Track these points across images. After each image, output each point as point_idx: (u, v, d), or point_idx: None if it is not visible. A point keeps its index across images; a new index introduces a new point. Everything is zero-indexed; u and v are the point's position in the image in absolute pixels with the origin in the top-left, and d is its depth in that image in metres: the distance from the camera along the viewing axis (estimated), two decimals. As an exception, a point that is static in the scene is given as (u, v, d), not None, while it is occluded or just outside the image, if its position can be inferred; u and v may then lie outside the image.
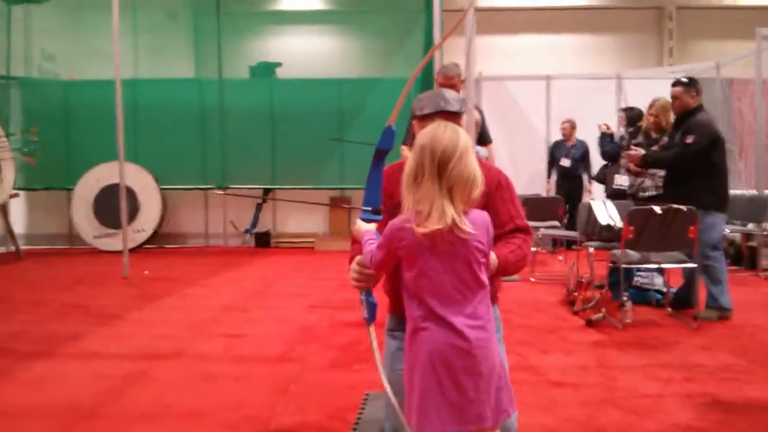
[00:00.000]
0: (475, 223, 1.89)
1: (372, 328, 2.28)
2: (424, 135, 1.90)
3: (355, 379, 3.57)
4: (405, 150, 5.25)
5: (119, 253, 7.29)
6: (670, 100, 5.63)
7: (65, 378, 3.64)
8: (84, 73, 9.45)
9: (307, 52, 10.03)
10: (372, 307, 2.26)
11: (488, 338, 1.89)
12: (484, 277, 1.93)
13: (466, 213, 1.87)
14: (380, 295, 2.34)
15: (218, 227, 10.13)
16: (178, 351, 4.14)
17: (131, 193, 8.74)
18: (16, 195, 8.68)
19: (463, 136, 1.90)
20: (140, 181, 9.23)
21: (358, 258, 2.21)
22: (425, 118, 2.37)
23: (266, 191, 9.92)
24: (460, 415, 1.84)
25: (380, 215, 2.27)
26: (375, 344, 2.26)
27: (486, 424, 1.87)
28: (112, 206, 8.19)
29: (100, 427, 2.96)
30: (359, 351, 4.05)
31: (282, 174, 9.69)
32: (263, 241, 9.89)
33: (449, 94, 2.41)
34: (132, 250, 8.10)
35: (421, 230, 1.82)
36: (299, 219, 10.00)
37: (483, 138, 5.38)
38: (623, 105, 8.56)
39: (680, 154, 4.94)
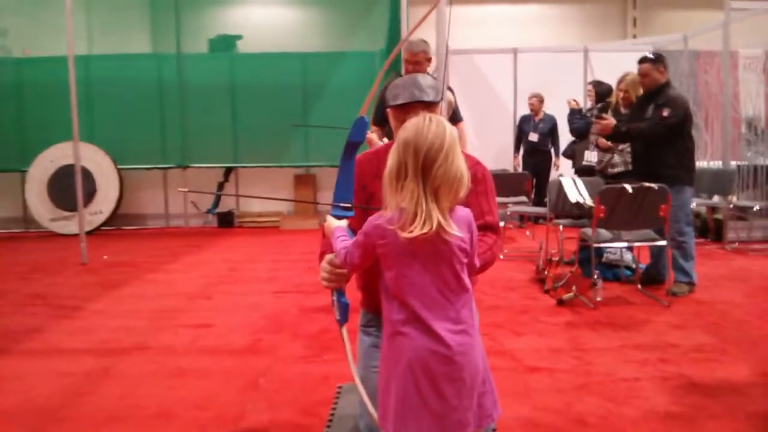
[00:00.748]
0: (459, 222, 1.78)
1: (344, 330, 2.18)
2: (407, 130, 1.77)
3: (327, 370, 3.48)
4: (372, 132, 5.11)
5: (77, 236, 7.06)
6: (637, 75, 5.59)
7: (25, 378, 3.47)
8: (38, 50, 9.06)
9: (268, 25, 9.78)
10: (344, 308, 2.15)
11: (470, 343, 1.80)
12: (467, 280, 1.84)
13: (450, 211, 1.77)
14: (351, 286, 2.24)
15: (179, 207, 9.88)
16: (142, 344, 3.99)
17: (87, 174, 8.47)
18: (-35, 178, 8.36)
19: (449, 131, 1.77)
20: (96, 161, 8.94)
21: (328, 257, 2.09)
22: (399, 108, 2.26)
23: (228, 170, 9.70)
24: (441, 423, 1.76)
25: (352, 211, 2.16)
26: (348, 347, 2.16)
27: (468, 430, 1.80)
28: (67, 188, 7.91)
29: (66, 431, 2.82)
30: (329, 340, 3.95)
31: (245, 152, 9.46)
32: (226, 221, 9.68)
33: (424, 80, 2.30)
34: (90, 233, 7.87)
35: (405, 235, 1.70)
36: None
37: (454, 117, 5.27)
38: (590, 78, 8.52)
39: (656, 126, 4.91)
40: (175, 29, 9.50)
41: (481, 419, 1.84)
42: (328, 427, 2.77)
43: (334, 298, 2.16)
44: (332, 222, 2.08)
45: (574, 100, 7.78)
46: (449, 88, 4.96)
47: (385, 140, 4.86)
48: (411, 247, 1.73)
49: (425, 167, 1.72)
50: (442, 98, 2.38)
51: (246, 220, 9.73)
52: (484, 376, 1.86)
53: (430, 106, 2.23)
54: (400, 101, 2.24)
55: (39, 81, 9.11)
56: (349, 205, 2.17)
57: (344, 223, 2.08)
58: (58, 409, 3.04)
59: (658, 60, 5.06)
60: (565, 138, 8.31)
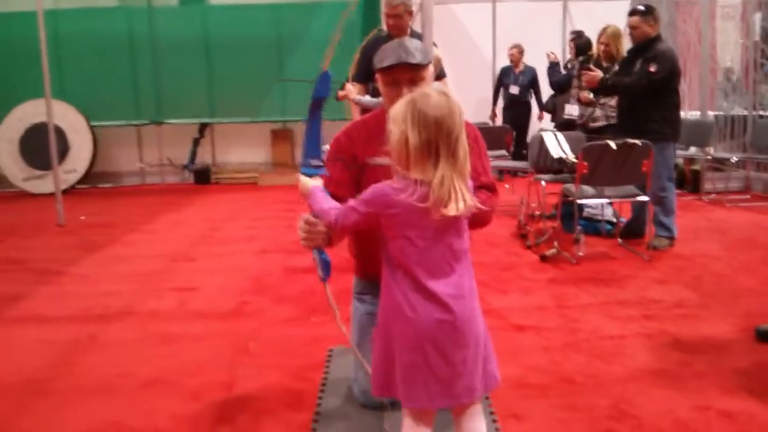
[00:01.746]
0: None
1: (328, 286, 2.18)
2: (438, 108, 1.71)
3: (315, 333, 3.48)
4: (350, 87, 5.02)
5: (51, 195, 6.94)
6: (619, 27, 5.56)
7: (10, 348, 3.43)
8: (2, 5, 8.72)
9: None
10: (326, 265, 2.15)
11: (472, 308, 1.83)
12: (467, 245, 1.84)
13: None
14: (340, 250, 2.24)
15: (154, 164, 9.70)
16: (127, 310, 3.95)
17: (60, 132, 8.22)
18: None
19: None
20: (68, 118, 8.72)
21: (304, 215, 2.07)
22: (386, 71, 2.23)
23: (203, 126, 9.54)
24: (450, 390, 1.78)
25: (323, 168, 2.13)
26: (334, 303, 2.17)
27: (476, 395, 1.84)
28: (39, 146, 7.76)
29: (56, 403, 2.79)
30: (316, 301, 3.93)
31: (220, 107, 9.27)
32: (203, 177, 9.55)
33: (411, 43, 2.26)
34: (64, 192, 7.70)
35: (445, 213, 1.71)
36: (240, 153, 9.65)
37: (438, 73, 5.18)
38: (569, 29, 8.44)
39: (640, 81, 4.88)
40: (144, -20, 9.20)
41: (487, 381, 1.88)
42: (322, 392, 2.78)
43: (315, 255, 2.14)
44: (306, 181, 2.06)
45: (553, 53, 7.73)
46: (434, 44, 4.87)
47: (368, 97, 4.79)
48: (424, 217, 1.73)
49: (455, 149, 1.72)
50: (430, 62, 2.32)
51: (223, 176, 9.60)
52: (485, 340, 1.88)
53: (417, 69, 2.20)
54: (386, 64, 2.21)
55: (4, 37, 8.79)
56: (319, 163, 2.13)
57: (319, 182, 2.06)
58: (46, 381, 3.00)
59: (648, 12, 4.96)
60: (545, 91, 8.27)
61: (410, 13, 4.85)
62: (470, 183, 1.83)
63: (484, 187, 2.31)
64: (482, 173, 2.35)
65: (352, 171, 2.35)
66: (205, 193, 8.69)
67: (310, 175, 2.08)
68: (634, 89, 4.92)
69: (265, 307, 3.95)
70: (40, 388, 2.94)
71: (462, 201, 1.72)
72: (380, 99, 4.09)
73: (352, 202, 1.84)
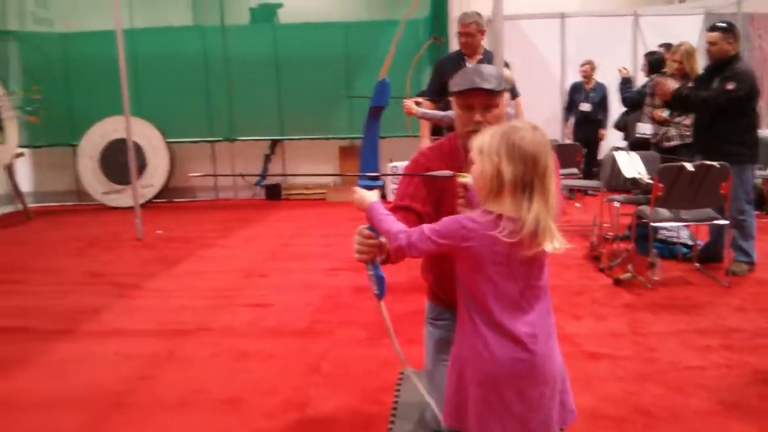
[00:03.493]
0: None
1: (383, 304, 2.13)
2: (533, 144, 1.68)
3: (387, 354, 3.49)
4: (410, 103, 5.02)
5: (129, 209, 7.19)
6: (693, 44, 5.42)
7: (89, 361, 3.56)
8: (79, 21, 9.14)
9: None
10: (381, 281, 2.09)
11: (550, 347, 1.80)
12: (546, 281, 1.81)
13: None
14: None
15: (227, 179, 9.97)
16: (203, 325, 4.06)
17: (137, 148, 8.54)
18: (21, 155, 8.50)
19: None
20: (145, 135, 9.05)
21: (359, 228, 2.04)
22: (461, 95, 2.24)
23: (274, 143, 9.74)
24: (526, 426, 1.76)
25: (380, 180, 2.08)
26: (389, 323, 2.13)
27: (552, 430, 1.81)
28: (118, 162, 8.15)
29: (134, 417, 2.90)
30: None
31: (290, 124, 9.47)
32: (274, 193, 9.76)
33: (487, 69, 2.26)
34: (141, 206, 7.95)
35: (539, 249, 1.68)
36: (309, 170, 9.81)
37: (512, 93, 5.13)
38: (640, 45, 8.29)
39: (717, 97, 4.73)
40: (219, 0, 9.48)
41: (564, 416, 1.86)
42: (393, 416, 2.79)
43: (370, 271, 2.09)
44: (365, 195, 1.99)
45: (625, 68, 7.58)
46: (507, 64, 4.85)
47: (433, 111, 4.77)
48: (506, 253, 1.70)
49: (546, 184, 1.69)
50: (506, 89, 2.31)
51: (293, 193, 9.78)
52: (562, 374, 1.86)
53: (491, 95, 2.20)
54: (461, 88, 2.21)
55: (84, 56, 9.21)
56: (376, 174, 2.09)
57: (376, 194, 2.01)
58: (124, 394, 3.11)
59: (729, 29, 4.81)
60: (615, 108, 8.12)
61: (482, 32, 4.86)
62: None
63: None
64: None
65: (428, 188, 2.36)
66: (275, 209, 8.86)
67: (368, 187, 2.02)
68: (711, 105, 4.75)
69: (337, 327, 3.99)
70: (119, 401, 3.04)
71: (553, 240, 1.68)
72: (448, 112, 4.11)
73: (426, 230, 1.78)
